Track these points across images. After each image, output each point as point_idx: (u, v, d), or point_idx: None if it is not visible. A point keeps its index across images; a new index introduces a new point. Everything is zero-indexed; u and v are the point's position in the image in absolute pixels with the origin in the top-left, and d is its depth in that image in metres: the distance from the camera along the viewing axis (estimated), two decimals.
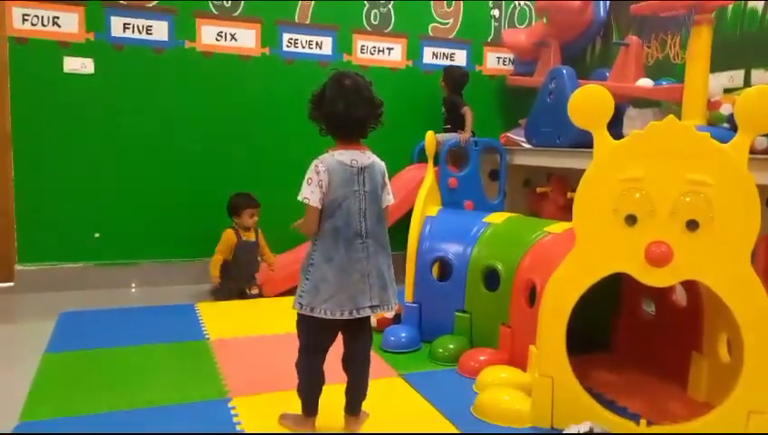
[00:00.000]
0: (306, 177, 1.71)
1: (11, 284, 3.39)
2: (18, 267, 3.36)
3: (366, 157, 1.76)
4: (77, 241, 3.44)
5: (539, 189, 3.81)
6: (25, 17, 3.26)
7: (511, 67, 4.30)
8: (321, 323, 1.72)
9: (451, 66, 3.94)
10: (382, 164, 1.81)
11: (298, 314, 1.76)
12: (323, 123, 1.75)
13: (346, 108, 1.69)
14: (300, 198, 1.71)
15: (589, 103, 1.79)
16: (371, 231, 1.74)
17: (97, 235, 3.47)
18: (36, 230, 3.37)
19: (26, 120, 3.31)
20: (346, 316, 1.70)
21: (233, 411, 1.96)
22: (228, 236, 3.32)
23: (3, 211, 3.40)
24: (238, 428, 1.85)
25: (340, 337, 1.83)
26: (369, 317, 1.79)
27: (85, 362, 2.36)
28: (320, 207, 1.71)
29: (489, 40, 4.24)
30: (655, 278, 1.75)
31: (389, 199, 1.83)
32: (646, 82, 3.06)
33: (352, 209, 1.71)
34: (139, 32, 3.44)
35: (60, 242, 3.41)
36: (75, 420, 1.88)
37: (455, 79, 3.81)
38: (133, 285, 3.54)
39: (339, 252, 1.70)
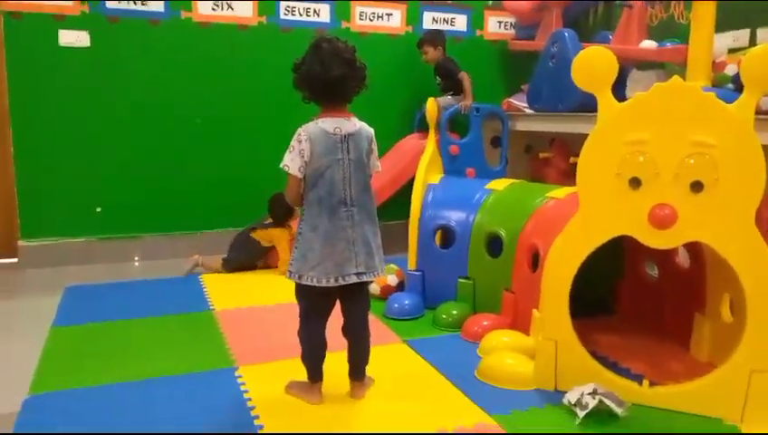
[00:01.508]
0: (290, 144, 1.71)
1: (14, 260, 3.40)
2: (21, 243, 3.37)
3: (351, 124, 1.75)
4: (79, 216, 3.44)
5: (541, 155, 3.78)
6: None
7: (512, 31, 4.23)
8: (315, 290, 1.73)
9: (433, 30, 3.78)
10: (370, 130, 1.80)
11: (295, 282, 1.77)
12: (305, 90, 1.73)
13: (322, 69, 1.67)
14: (281, 165, 1.72)
15: (592, 65, 1.77)
16: (356, 199, 1.74)
17: (99, 209, 3.47)
18: (38, 206, 3.37)
19: (24, 96, 3.28)
20: (332, 283, 1.71)
21: (239, 380, 1.98)
22: (285, 236, 3.28)
23: (4, 188, 3.39)
24: (245, 396, 1.87)
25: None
26: (364, 283, 1.80)
27: (92, 334, 2.38)
28: (300, 176, 1.71)
29: (490, 4, 4.17)
30: (659, 240, 1.75)
31: (377, 166, 1.83)
32: (649, 44, 3.01)
33: (336, 178, 1.71)
34: (134, 3, 3.39)
35: (62, 217, 3.41)
36: (84, 391, 1.90)
37: (445, 41, 3.72)
38: (136, 258, 3.56)
39: (323, 221, 1.70)
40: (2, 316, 2.68)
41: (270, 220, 3.33)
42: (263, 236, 3.29)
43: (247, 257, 3.30)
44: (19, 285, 3.20)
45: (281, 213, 3.28)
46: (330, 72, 1.67)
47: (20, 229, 3.36)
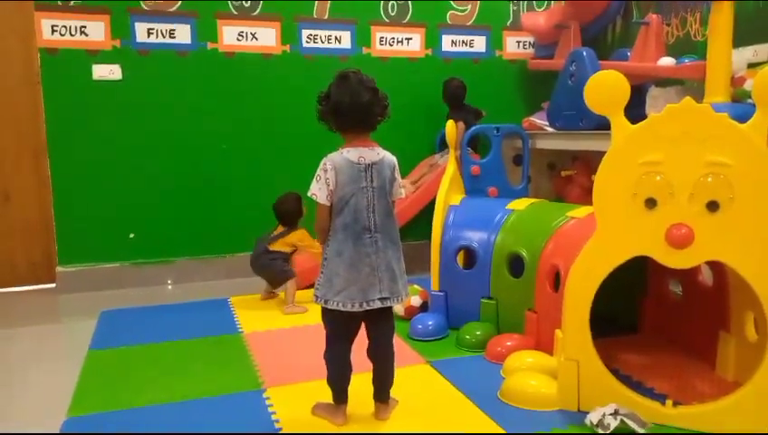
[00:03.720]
0: (315, 174, 1.78)
1: (53, 285, 3.54)
2: (59, 269, 3.50)
3: (375, 153, 1.81)
4: (113, 242, 3.56)
5: (563, 173, 3.79)
6: (54, 28, 3.37)
7: (531, 51, 4.28)
8: (341, 315, 1.78)
9: (445, 81, 3.89)
10: (393, 159, 1.86)
11: (322, 306, 1.83)
12: (331, 119, 1.80)
13: (352, 97, 1.74)
14: (309, 193, 1.79)
15: (604, 90, 1.80)
16: (380, 226, 1.79)
17: (132, 235, 3.59)
18: (75, 233, 3.50)
19: (60, 127, 3.43)
20: (357, 308, 1.76)
21: (267, 402, 2.03)
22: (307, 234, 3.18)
23: (43, 216, 3.55)
24: (273, 417, 1.92)
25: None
26: (389, 307, 1.84)
27: (127, 358, 2.47)
28: (328, 204, 1.77)
29: (508, 24, 4.23)
30: (677, 260, 1.76)
31: (401, 193, 1.88)
32: (668, 61, 3.03)
33: (360, 206, 1.76)
34: (163, 36, 3.53)
35: (97, 244, 3.54)
36: (120, 414, 1.98)
37: (449, 93, 3.85)
38: (169, 282, 3.66)
39: (348, 247, 1.76)
40: (42, 340, 2.79)
41: (280, 230, 3.22)
42: (282, 246, 3.18)
43: (273, 273, 3.19)
44: (57, 309, 3.33)
45: (294, 215, 3.18)
46: (359, 99, 1.74)
47: (58, 256, 3.50)
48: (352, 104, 1.75)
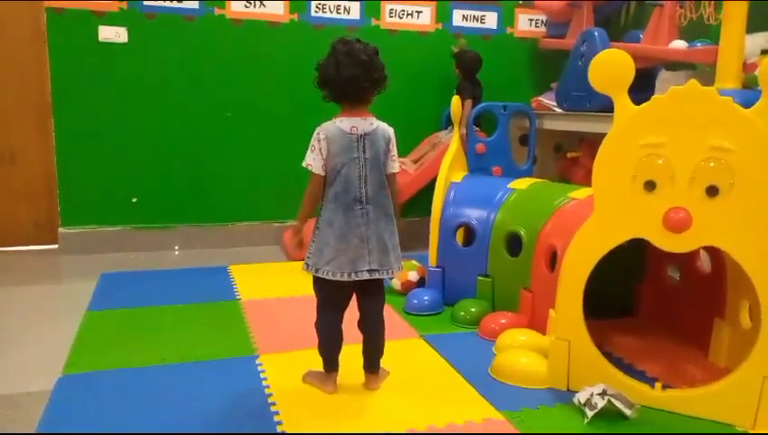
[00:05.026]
0: (310, 144, 1.77)
1: (55, 246, 3.57)
2: (62, 230, 3.52)
3: (368, 123, 1.79)
4: (116, 206, 3.57)
5: (569, 154, 3.76)
6: None
7: (543, 29, 4.21)
8: (331, 284, 1.79)
9: (461, 51, 3.85)
10: (388, 131, 1.84)
11: (312, 275, 1.83)
12: (324, 90, 1.79)
13: (336, 70, 1.72)
14: (303, 164, 1.78)
15: (608, 68, 1.77)
16: (372, 197, 1.78)
17: (134, 199, 3.60)
18: (78, 195, 3.51)
19: (65, 89, 3.42)
20: (345, 278, 1.76)
21: (260, 368, 2.05)
22: None
23: (46, 177, 3.56)
24: (264, 383, 1.94)
25: None
26: (380, 279, 1.84)
27: (124, 319, 2.49)
28: (323, 174, 1.77)
29: (521, 1, 4.15)
30: (673, 244, 1.75)
31: (395, 167, 1.86)
32: (680, 44, 2.98)
33: (351, 176, 1.75)
34: (170, 0, 3.50)
35: (100, 206, 3.55)
36: (113, 373, 2.00)
37: (465, 64, 3.77)
38: (176, 247, 3.67)
39: (338, 217, 1.76)
40: (42, 299, 2.82)
41: None
42: None
43: None
44: (59, 269, 3.36)
45: None
46: (342, 74, 1.72)
47: (61, 217, 3.52)
48: (337, 79, 1.73)
